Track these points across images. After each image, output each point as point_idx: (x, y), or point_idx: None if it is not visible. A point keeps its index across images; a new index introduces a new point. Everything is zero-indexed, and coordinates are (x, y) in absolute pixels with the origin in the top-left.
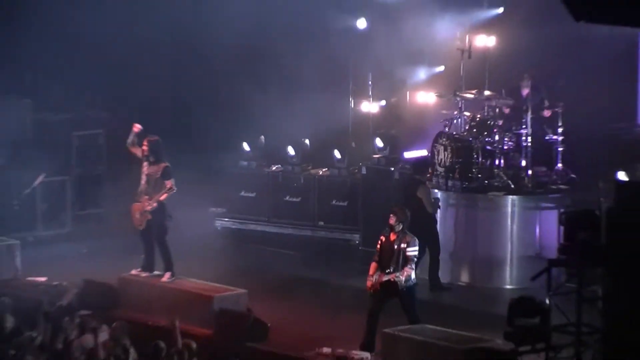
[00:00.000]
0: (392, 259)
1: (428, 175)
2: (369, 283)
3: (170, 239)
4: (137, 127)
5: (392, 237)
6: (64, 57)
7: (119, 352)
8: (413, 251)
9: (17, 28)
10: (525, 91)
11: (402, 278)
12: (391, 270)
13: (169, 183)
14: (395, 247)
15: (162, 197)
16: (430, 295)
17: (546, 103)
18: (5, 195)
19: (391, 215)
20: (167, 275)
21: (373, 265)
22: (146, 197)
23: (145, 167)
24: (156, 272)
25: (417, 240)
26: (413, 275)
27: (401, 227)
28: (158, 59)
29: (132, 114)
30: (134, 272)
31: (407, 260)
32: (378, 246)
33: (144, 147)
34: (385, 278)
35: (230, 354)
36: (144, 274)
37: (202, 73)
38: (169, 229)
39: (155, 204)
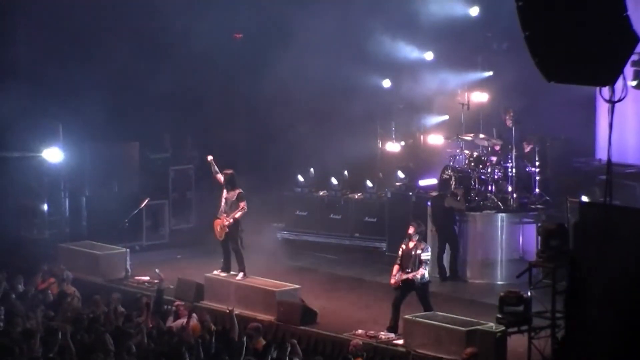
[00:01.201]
0: (410, 261)
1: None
2: (392, 280)
3: (243, 247)
4: (209, 158)
5: (411, 244)
6: (163, 110)
7: (204, 334)
8: (426, 255)
9: (128, 91)
10: (509, 123)
11: (418, 277)
12: (409, 270)
13: (242, 204)
14: (413, 252)
15: (238, 216)
16: (440, 289)
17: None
18: (119, 215)
19: (410, 226)
20: (241, 275)
21: (396, 267)
22: (225, 215)
23: (224, 193)
24: (232, 273)
25: (429, 247)
26: (427, 274)
27: (417, 236)
28: (237, 111)
29: (216, 153)
30: (215, 272)
31: (421, 262)
32: (400, 252)
33: (222, 178)
34: (404, 277)
35: (288, 333)
36: (223, 274)
37: (270, 121)
38: (242, 240)
39: (231, 220)
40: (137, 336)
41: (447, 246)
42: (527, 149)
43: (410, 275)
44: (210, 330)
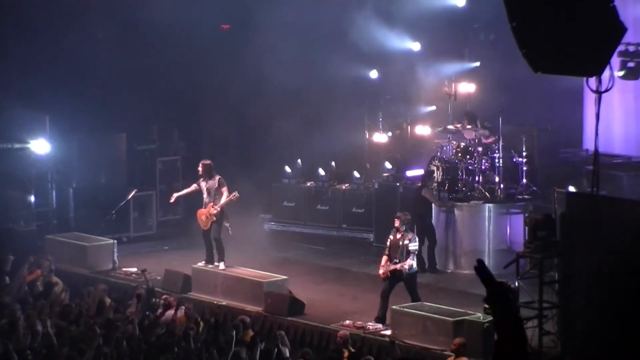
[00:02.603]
0: (398, 252)
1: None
2: (381, 271)
3: (230, 238)
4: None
5: (398, 235)
6: (150, 102)
7: (191, 325)
8: (414, 246)
9: (116, 83)
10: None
11: (406, 267)
12: (397, 261)
13: (224, 189)
14: (401, 243)
15: (224, 202)
16: (428, 279)
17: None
18: (106, 206)
19: (396, 219)
20: (222, 264)
21: (384, 257)
22: (211, 204)
23: (204, 185)
24: (216, 264)
25: (417, 237)
26: (414, 265)
27: (404, 227)
28: (224, 103)
29: (203, 144)
30: (200, 264)
31: (409, 253)
32: (388, 243)
33: (200, 170)
34: (392, 267)
35: (275, 325)
36: (209, 266)
37: (258, 113)
38: (229, 229)
39: (219, 209)
40: (127, 327)
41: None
42: (489, 140)
43: (398, 266)
44: (198, 322)
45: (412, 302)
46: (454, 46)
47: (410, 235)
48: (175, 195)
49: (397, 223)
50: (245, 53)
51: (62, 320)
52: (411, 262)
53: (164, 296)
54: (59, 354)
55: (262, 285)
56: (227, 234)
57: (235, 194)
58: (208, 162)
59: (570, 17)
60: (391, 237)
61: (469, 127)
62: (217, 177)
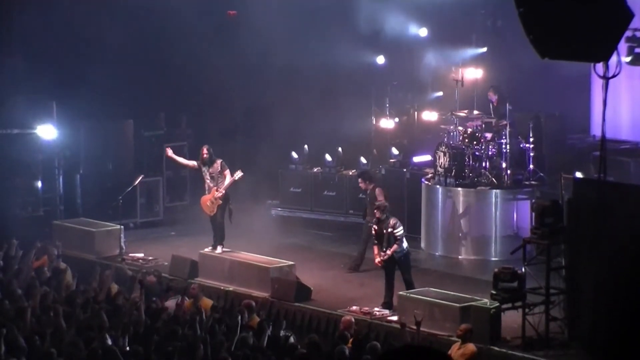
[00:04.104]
0: (385, 240)
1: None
2: (377, 260)
3: (237, 223)
4: (168, 152)
5: (381, 225)
6: (157, 88)
7: (195, 311)
8: (399, 232)
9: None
10: (495, 100)
11: (389, 253)
12: (384, 249)
13: (226, 172)
14: (385, 231)
15: (228, 183)
16: (435, 266)
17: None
18: (113, 192)
19: (375, 210)
20: (219, 248)
21: (376, 247)
22: (214, 188)
23: (206, 171)
24: (212, 247)
25: (399, 222)
26: (404, 246)
27: (385, 216)
28: (230, 89)
29: (210, 131)
30: (207, 249)
31: (396, 239)
32: (374, 233)
33: (204, 154)
34: (383, 257)
35: (282, 310)
36: (216, 251)
37: (265, 99)
38: (232, 214)
39: (223, 191)
40: (133, 313)
41: None
42: (493, 98)
43: (386, 255)
44: (201, 310)
45: (405, 282)
46: (461, 32)
47: (392, 222)
48: (171, 153)
49: (378, 214)
50: (252, 39)
51: (68, 306)
52: (395, 248)
53: (193, 285)
54: (67, 339)
55: (268, 271)
56: (236, 222)
57: (239, 173)
58: (206, 148)
59: (577, 2)
60: (375, 227)
61: (494, 99)
62: (219, 161)
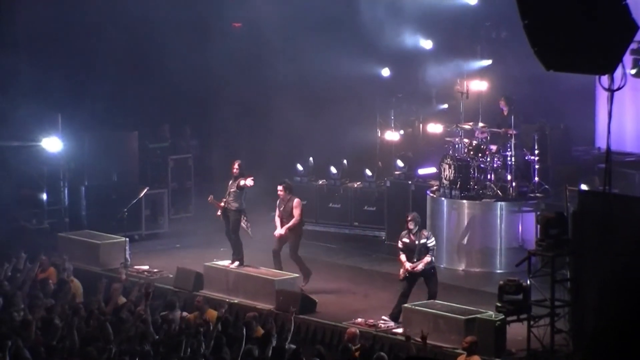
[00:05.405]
0: (416, 252)
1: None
2: (408, 266)
3: (243, 236)
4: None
5: (412, 237)
6: (164, 101)
7: (201, 322)
8: (432, 243)
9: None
10: (505, 110)
11: (421, 267)
12: (415, 260)
13: (242, 181)
14: (417, 242)
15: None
16: (439, 278)
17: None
18: (118, 204)
19: (409, 221)
20: (236, 263)
21: (403, 257)
22: (224, 200)
23: (231, 182)
24: (245, 264)
25: (431, 233)
26: (432, 259)
27: (417, 227)
28: (235, 101)
29: (215, 143)
30: (231, 265)
31: (427, 250)
32: (400, 245)
33: (235, 170)
34: (413, 267)
35: (287, 323)
36: (233, 265)
37: (270, 111)
38: (248, 227)
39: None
40: (140, 325)
41: None
42: (505, 108)
43: (419, 267)
44: (207, 321)
45: (429, 294)
46: (466, 44)
47: (425, 233)
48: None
49: (410, 225)
50: (257, 51)
51: (73, 317)
52: (428, 259)
53: (198, 298)
54: (74, 351)
55: (273, 283)
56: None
57: (249, 180)
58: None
59: (582, 14)
60: (405, 239)
61: (505, 109)
62: (243, 182)
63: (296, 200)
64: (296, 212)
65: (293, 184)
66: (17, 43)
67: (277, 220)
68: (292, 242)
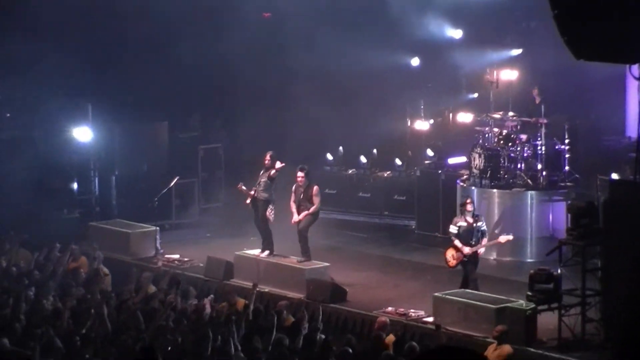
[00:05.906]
0: (473, 235)
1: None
2: (455, 261)
3: (273, 225)
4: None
5: (470, 219)
6: (192, 91)
7: (231, 312)
8: (485, 227)
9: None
10: (537, 99)
11: (484, 245)
12: (473, 243)
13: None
14: (475, 225)
15: (275, 172)
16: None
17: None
18: (149, 194)
19: (468, 204)
20: (266, 252)
21: (457, 244)
22: (254, 188)
23: (262, 172)
24: (275, 254)
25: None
26: None
27: (475, 211)
28: (265, 91)
29: (245, 132)
30: (261, 254)
31: (483, 234)
32: (456, 229)
33: (268, 160)
34: (471, 250)
35: (317, 312)
36: (263, 254)
37: (299, 101)
38: (271, 213)
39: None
40: (171, 314)
41: None
42: (537, 98)
43: (482, 249)
44: (238, 310)
45: (470, 281)
46: (496, 33)
47: (481, 217)
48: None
49: (469, 207)
50: (286, 42)
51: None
52: (486, 240)
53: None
54: (107, 340)
55: (303, 272)
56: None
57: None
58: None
59: (612, 3)
60: (462, 222)
61: (537, 98)
62: (274, 172)
63: (316, 188)
64: (316, 200)
65: (318, 171)
66: (48, 33)
67: (293, 206)
68: (307, 220)
